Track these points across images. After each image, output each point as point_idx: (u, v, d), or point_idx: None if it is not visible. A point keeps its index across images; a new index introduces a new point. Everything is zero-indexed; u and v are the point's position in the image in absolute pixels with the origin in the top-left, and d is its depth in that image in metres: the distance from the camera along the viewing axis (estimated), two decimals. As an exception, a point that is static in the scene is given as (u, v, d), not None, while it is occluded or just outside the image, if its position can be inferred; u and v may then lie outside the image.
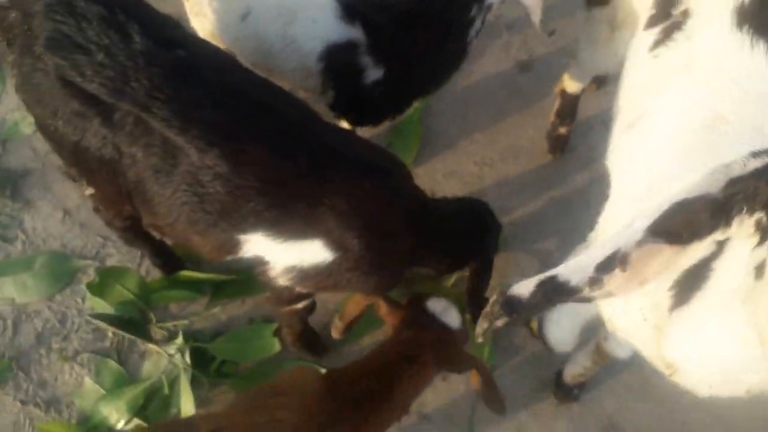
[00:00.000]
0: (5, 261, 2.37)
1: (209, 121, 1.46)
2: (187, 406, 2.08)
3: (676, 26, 1.48)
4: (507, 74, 2.68)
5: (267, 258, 1.66)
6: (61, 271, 2.36)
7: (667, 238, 1.08)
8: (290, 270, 1.66)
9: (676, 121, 1.41)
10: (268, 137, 1.52)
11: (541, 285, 1.21)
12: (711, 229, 1.05)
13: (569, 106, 2.40)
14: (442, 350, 1.77)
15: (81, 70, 1.43)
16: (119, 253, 2.39)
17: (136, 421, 2.12)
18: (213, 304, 2.30)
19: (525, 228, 2.42)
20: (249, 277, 2.29)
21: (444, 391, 2.17)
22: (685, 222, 1.07)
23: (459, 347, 1.84)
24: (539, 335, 2.13)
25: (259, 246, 1.61)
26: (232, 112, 1.50)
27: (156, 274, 2.33)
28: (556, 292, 1.19)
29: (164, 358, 2.21)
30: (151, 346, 2.23)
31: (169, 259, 2.29)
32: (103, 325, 2.26)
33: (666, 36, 1.50)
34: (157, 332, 2.26)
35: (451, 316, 1.82)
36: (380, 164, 1.70)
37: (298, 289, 1.75)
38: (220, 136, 1.47)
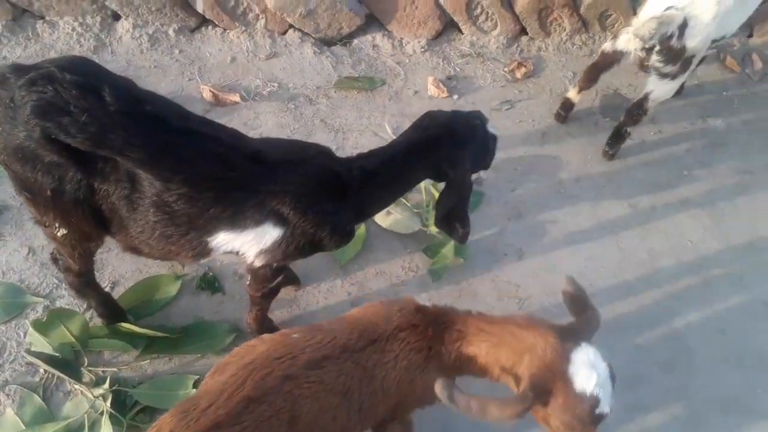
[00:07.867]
0: (-39, 284, 2.56)
1: (174, 155, 1.81)
2: (105, 445, 2.20)
3: None
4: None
5: (239, 250, 2.03)
6: (11, 303, 2.54)
7: None
8: (259, 253, 2.04)
9: None
10: (218, 159, 1.88)
11: None
12: None
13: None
14: None
15: (66, 129, 1.69)
16: (69, 296, 2.58)
17: (51, 457, 2.23)
18: (142, 356, 2.48)
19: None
20: (179, 338, 2.50)
21: None
22: None
23: None
24: None
25: (225, 241, 1.98)
26: (191, 148, 1.84)
27: (98, 322, 2.51)
28: None
29: (87, 400, 2.35)
30: (78, 387, 2.38)
31: (113, 310, 2.47)
32: (37, 361, 2.42)
33: None
34: (86, 375, 2.41)
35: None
36: (298, 157, 2.03)
37: (275, 264, 2.15)
38: (183, 166, 1.82)
